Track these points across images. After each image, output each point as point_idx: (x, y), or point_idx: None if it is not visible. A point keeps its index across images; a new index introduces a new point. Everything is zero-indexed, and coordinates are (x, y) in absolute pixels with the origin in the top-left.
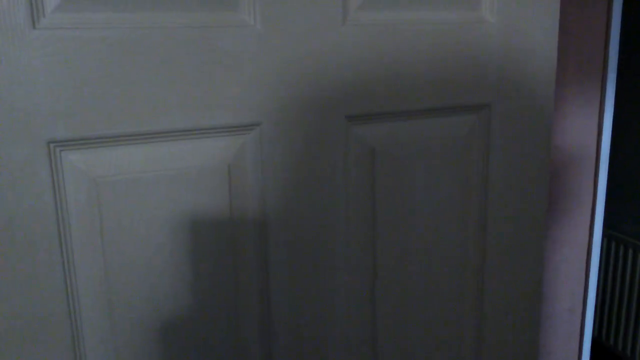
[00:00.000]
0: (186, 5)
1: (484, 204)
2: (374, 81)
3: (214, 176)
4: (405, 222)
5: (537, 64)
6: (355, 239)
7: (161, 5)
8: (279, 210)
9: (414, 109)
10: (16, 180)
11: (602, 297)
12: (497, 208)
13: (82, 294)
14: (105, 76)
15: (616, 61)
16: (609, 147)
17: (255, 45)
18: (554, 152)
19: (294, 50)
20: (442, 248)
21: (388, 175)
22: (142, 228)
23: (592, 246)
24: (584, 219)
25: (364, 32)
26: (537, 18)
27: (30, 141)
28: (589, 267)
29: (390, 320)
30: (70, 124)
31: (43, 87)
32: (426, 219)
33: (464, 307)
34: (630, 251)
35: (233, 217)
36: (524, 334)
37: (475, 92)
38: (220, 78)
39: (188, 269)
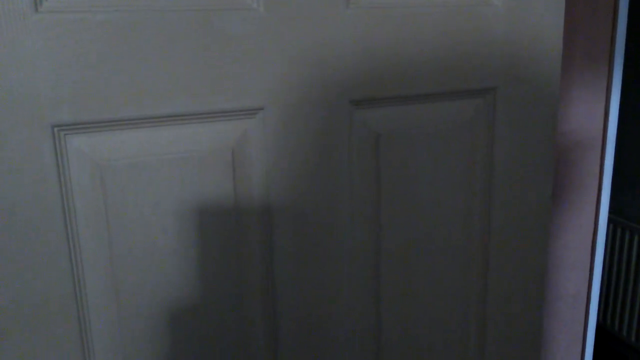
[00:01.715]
0: None
1: (488, 188)
2: (378, 65)
3: (218, 160)
4: (409, 207)
5: (543, 48)
6: (360, 223)
7: None
8: (283, 195)
9: (419, 93)
10: (20, 165)
11: (606, 283)
12: (502, 193)
13: (87, 279)
14: (109, 60)
15: (623, 46)
16: (615, 132)
17: (258, 29)
18: (560, 138)
19: (298, 34)
20: (446, 233)
21: (393, 159)
22: (146, 213)
23: (597, 232)
24: (590, 204)
25: (368, 16)
26: (543, 2)
27: (34, 125)
28: (594, 253)
29: (394, 307)
30: (74, 108)
31: (46, 71)
32: (431, 204)
33: (468, 293)
34: (636, 237)
35: (237, 201)
36: (528, 320)
37: (481, 76)
38: (224, 62)
39: (192, 253)
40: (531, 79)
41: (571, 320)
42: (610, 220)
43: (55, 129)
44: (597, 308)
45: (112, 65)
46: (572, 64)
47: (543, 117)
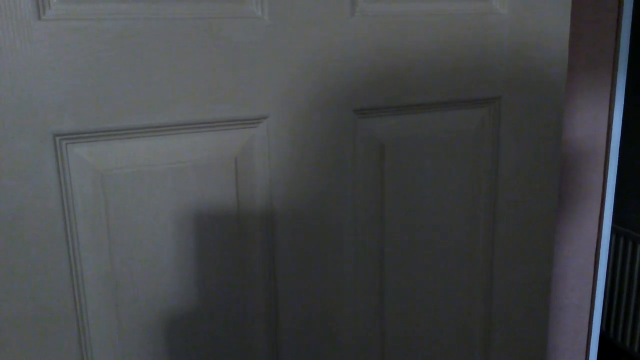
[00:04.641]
0: None
1: (493, 198)
2: (383, 74)
3: (221, 169)
4: (414, 216)
5: (548, 57)
6: (363, 232)
7: None
8: (286, 204)
9: (424, 102)
10: (22, 173)
11: (610, 292)
12: (507, 202)
13: (88, 289)
14: (112, 68)
15: (627, 54)
16: (619, 142)
17: (263, 38)
18: (563, 146)
19: (303, 43)
20: (451, 242)
21: (397, 169)
22: (149, 221)
23: (601, 241)
24: (593, 214)
25: (373, 24)
26: (548, 10)
27: (36, 134)
28: (598, 263)
29: (398, 314)
30: (76, 117)
31: (49, 80)
32: (435, 214)
33: (472, 302)
34: (639, 246)
35: (240, 210)
36: (532, 329)
37: (486, 86)
38: (228, 70)
39: (195, 262)
40: (537, 88)
41: (575, 330)
42: (613, 230)
43: (57, 138)
44: (600, 318)
45: (115, 73)
46: (576, 72)
47: (548, 126)
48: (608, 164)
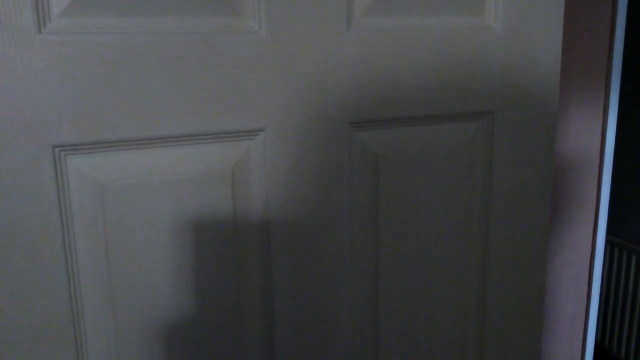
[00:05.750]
0: (192, 11)
1: (487, 209)
2: (378, 87)
3: (218, 181)
4: (408, 228)
5: (541, 71)
6: (358, 243)
7: (167, 10)
8: (282, 215)
9: (418, 115)
10: (21, 184)
11: (604, 302)
12: (500, 214)
13: (85, 298)
14: (111, 81)
15: (620, 66)
16: (612, 153)
17: (260, 51)
18: (557, 157)
19: (299, 56)
20: (445, 253)
21: (392, 180)
22: (146, 232)
23: (595, 251)
24: (587, 224)
25: (369, 38)
26: (541, 24)
27: (35, 145)
28: (592, 273)
29: (393, 324)
30: (75, 129)
31: (48, 92)
32: (429, 225)
33: (466, 311)
34: (633, 257)
35: (236, 221)
36: (526, 339)
37: (479, 99)
38: (225, 83)
39: (191, 273)
40: (529, 101)
41: (569, 340)
42: (608, 241)
43: (56, 149)
44: (595, 328)
45: (113, 86)
46: (569, 83)
47: (541, 139)
48: (602, 174)
